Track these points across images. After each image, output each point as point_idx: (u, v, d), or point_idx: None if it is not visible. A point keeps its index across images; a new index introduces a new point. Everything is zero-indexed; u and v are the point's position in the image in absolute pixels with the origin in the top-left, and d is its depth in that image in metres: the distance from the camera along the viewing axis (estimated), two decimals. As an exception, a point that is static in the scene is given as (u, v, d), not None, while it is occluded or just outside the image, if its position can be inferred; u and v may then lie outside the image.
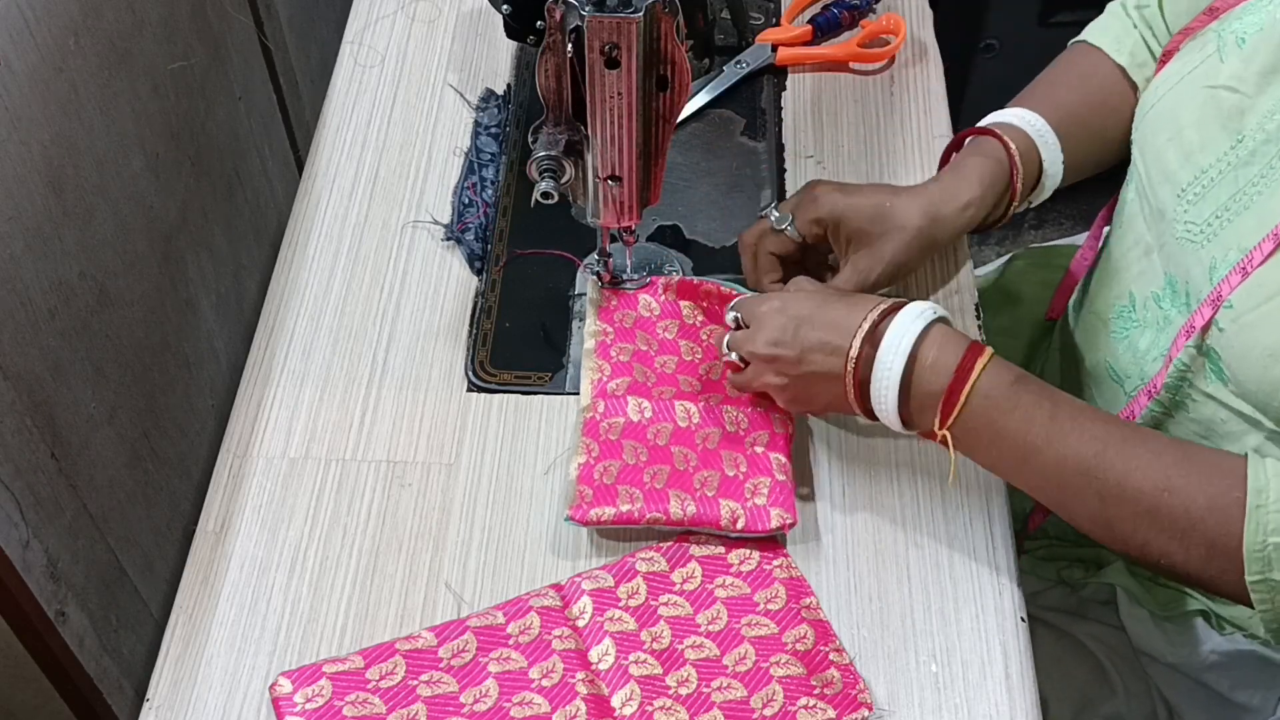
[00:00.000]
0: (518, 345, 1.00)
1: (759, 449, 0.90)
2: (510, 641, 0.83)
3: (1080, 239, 1.23)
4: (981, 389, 0.80)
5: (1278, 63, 0.81)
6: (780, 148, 1.13)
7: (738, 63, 1.17)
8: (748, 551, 0.87)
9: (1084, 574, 1.04)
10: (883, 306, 0.83)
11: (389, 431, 0.95)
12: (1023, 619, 0.85)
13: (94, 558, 0.98)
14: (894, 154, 1.11)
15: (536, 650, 0.82)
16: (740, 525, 0.86)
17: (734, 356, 0.92)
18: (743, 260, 0.99)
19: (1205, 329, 0.82)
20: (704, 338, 0.98)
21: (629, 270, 1.01)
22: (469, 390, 0.97)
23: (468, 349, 1.00)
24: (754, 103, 1.17)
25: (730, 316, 0.93)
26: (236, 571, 0.88)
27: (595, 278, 0.99)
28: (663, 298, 0.99)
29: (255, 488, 0.92)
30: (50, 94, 0.89)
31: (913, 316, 0.82)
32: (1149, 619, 0.99)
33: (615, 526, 0.87)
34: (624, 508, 0.86)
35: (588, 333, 0.97)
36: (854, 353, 0.83)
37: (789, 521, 0.87)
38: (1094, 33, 1.02)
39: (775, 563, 0.87)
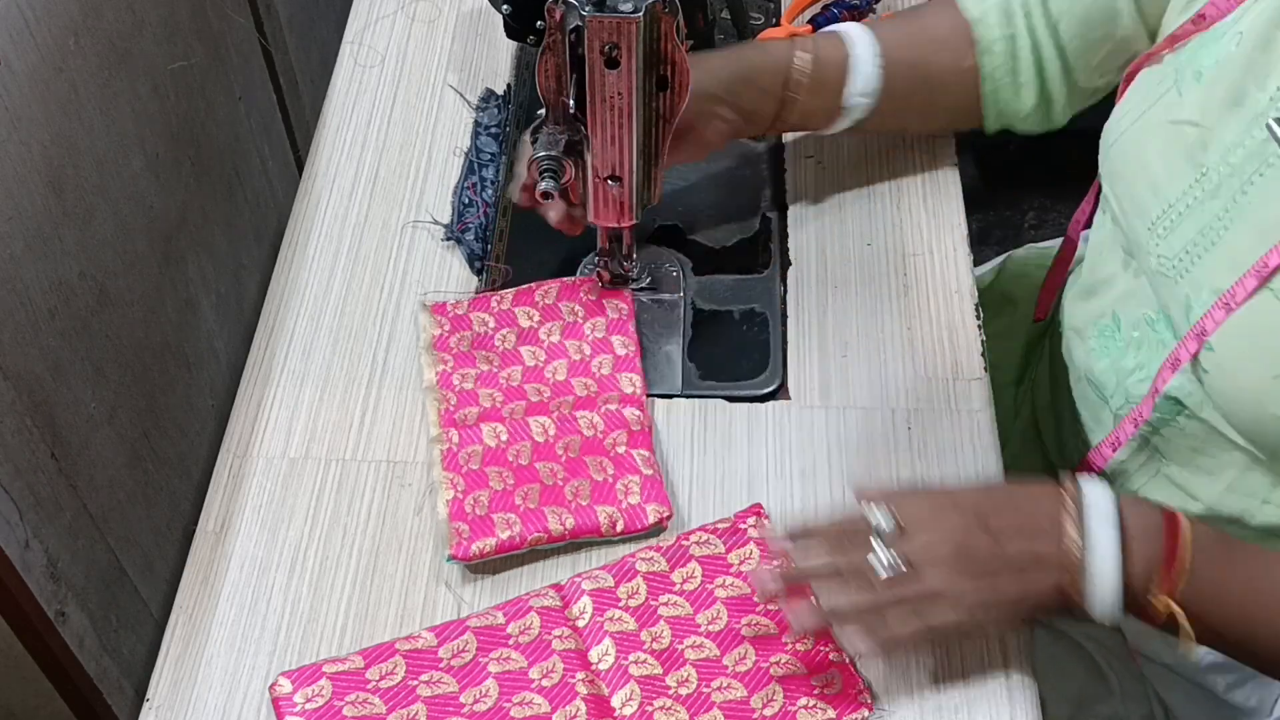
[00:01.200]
0: (518, 345, 1.00)
1: (620, 449, 0.91)
2: (510, 641, 0.83)
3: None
4: (1199, 543, 0.74)
5: (1237, 96, 0.80)
6: (780, 148, 1.13)
7: None
8: (749, 550, 0.87)
9: None
10: (1067, 491, 0.75)
11: (389, 431, 0.95)
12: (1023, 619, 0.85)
13: (94, 558, 0.98)
14: (894, 154, 1.11)
15: (536, 650, 0.82)
16: (620, 528, 0.87)
17: (899, 559, 0.73)
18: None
19: (1194, 358, 0.81)
20: (544, 338, 0.97)
21: (628, 269, 1.02)
22: (469, 390, 0.97)
23: (468, 349, 1.00)
24: (754, 103, 1.17)
25: (883, 517, 0.74)
26: (236, 571, 0.88)
27: (421, 303, 0.99)
28: (496, 309, 0.99)
29: (255, 488, 0.92)
30: (50, 94, 0.89)
31: (1096, 484, 0.76)
32: None
33: (501, 555, 0.87)
34: (504, 535, 0.86)
35: (424, 364, 0.96)
36: (1074, 547, 0.73)
37: (665, 515, 0.88)
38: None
39: (775, 563, 0.86)
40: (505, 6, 0.99)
